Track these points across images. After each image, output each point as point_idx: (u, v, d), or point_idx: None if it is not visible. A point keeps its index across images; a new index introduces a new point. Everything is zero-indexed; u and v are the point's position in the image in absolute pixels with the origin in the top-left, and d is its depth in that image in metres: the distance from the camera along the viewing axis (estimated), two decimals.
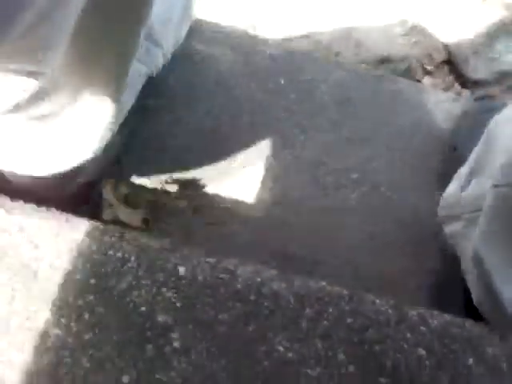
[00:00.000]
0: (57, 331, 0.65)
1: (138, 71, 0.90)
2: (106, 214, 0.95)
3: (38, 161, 0.79)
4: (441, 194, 0.99)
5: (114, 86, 0.75)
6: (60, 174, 0.82)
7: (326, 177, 1.06)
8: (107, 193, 0.97)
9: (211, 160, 1.05)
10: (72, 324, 0.65)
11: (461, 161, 0.97)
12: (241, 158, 1.06)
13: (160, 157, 1.04)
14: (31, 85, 0.67)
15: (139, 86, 0.88)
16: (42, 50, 0.63)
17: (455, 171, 0.96)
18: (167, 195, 1.01)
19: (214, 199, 1.02)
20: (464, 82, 1.41)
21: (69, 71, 0.69)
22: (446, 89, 1.37)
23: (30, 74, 0.66)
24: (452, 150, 1.06)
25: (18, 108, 0.70)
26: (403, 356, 0.68)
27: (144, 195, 1.00)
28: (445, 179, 1.02)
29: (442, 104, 1.15)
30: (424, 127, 1.12)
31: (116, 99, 0.76)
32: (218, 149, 1.06)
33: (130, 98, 0.90)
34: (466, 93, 1.38)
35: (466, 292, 0.88)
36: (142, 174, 1.02)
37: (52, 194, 0.86)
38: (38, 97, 0.69)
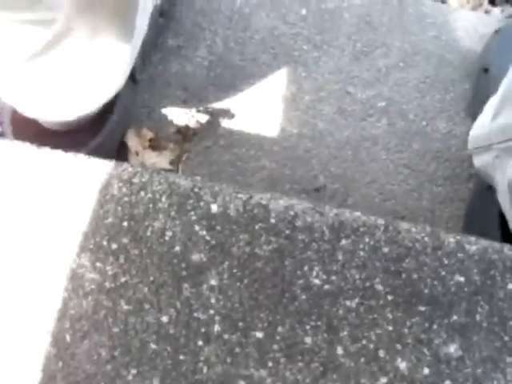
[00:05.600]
0: (93, 275, 0.65)
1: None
2: (133, 162, 0.95)
3: (64, 104, 0.78)
4: (472, 121, 0.96)
5: (128, 18, 0.74)
6: (87, 114, 0.82)
7: (353, 106, 1.03)
8: (131, 141, 0.97)
9: (232, 93, 1.03)
10: (108, 268, 0.65)
11: (493, 83, 0.93)
12: (264, 90, 1.04)
13: (181, 92, 1.02)
14: (46, 32, 0.66)
15: (149, 11, 0.86)
16: None
17: (488, 95, 0.93)
18: (194, 129, 1.00)
19: (240, 134, 1.01)
20: None
21: (81, 12, 0.68)
22: (474, 8, 1.32)
23: (44, 22, 0.65)
24: (483, 73, 1.03)
25: (36, 55, 0.69)
26: (441, 283, 0.67)
27: (170, 134, 0.99)
28: (476, 104, 0.99)
29: (471, 25, 1.11)
30: (453, 50, 1.08)
31: (131, 32, 0.75)
32: (240, 82, 1.04)
33: (142, 28, 0.89)
34: (496, 11, 1.33)
35: (502, 221, 0.86)
36: (165, 107, 1.01)
37: (77, 135, 0.86)
38: (55, 42, 0.68)
